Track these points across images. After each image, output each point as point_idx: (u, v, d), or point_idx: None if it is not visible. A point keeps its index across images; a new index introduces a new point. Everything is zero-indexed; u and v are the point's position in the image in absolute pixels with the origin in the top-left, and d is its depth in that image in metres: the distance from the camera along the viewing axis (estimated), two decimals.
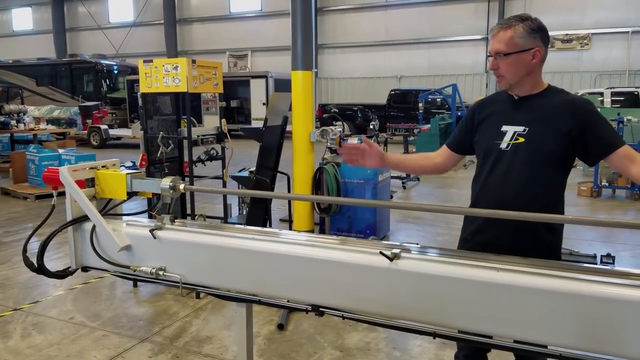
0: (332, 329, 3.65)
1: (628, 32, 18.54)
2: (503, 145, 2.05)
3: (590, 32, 19.02)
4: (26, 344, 3.48)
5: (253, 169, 5.44)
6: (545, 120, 1.99)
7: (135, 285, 4.44)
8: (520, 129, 2.02)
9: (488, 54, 2.08)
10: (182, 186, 2.10)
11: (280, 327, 3.66)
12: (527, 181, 2.01)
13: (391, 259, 1.65)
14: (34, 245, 2.07)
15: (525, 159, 2.00)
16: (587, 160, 2.03)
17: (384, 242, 1.84)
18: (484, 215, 2.05)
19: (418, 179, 10.01)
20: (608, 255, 4.32)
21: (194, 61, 4.35)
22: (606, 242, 5.82)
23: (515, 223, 1.93)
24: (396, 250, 1.66)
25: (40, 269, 2.14)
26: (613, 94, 14.99)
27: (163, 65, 4.30)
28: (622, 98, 14.89)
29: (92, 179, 2.23)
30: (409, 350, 3.39)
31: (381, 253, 1.66)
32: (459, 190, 9.20)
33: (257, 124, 18.30)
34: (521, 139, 2.01)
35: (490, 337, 1.57)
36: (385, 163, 2.21)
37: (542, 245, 2.00)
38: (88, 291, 4.40)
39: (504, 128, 2.06)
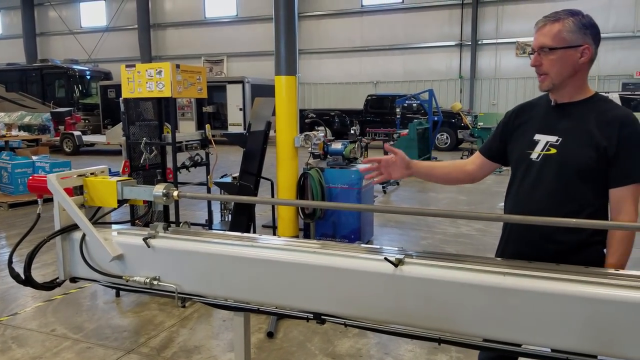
0: (322, 336, 3.61)
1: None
2: (534, 156, 1.89)
3: None
4: (6, 359, 3.35)
5: (235, 174, 5.38)
6: (582, 132, 1.80)
7: (117, 295, 4.33)
8: (553, 139, 1.86)
9: (530, 51, 1.87)
10: (175, 193, 2.05)
11: (270, 335, 3.61)
12: (555, 196, 1.85)
13: (396, 265, 1.63)
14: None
15: (554, 172, 1.84)
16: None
17: (385, 247, 1.82)
18: (466, 218, 1.93)
19: (397, 183, 10.05)
20: None
21: (178, 66, 4.28)
22: None
23: (538, 237, 1.87)
24: (400, 256, 1.65)
25: (28, 281, 2.06)
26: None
27: (146, 70, 4.22)
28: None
29: (80, 187, 2.16)
30: (401, 355, 3.37)
31: (386, 259, 1.64)
32: (437, 194, 9.28)
33: (233, 129, 18.16)
34: (553, 150, 1.85)
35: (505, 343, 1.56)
36: (413, 172, 2.07)
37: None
38: (69, 302, 4.27)
39: (537, 137, 1.90)
